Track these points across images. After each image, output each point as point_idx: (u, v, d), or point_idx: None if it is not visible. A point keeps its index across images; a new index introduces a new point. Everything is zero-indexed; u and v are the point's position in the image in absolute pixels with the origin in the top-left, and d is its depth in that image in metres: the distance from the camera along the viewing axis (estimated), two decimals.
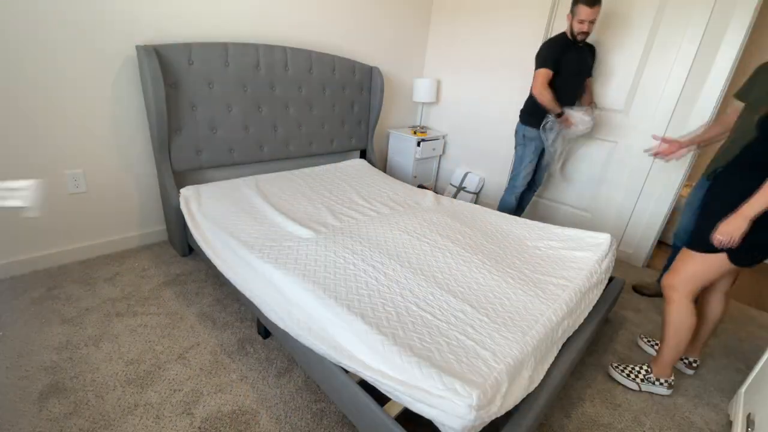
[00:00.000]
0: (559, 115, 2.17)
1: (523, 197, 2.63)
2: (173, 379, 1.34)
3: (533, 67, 2.19)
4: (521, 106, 2.41)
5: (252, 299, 1.37)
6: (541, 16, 2.57)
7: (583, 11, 1.97)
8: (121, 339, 1.50)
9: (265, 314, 1.31)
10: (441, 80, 3.30)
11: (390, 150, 3.33)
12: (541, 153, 2.40)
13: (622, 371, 1.52)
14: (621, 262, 2.60)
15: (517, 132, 2.44)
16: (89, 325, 1.55)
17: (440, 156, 3.47)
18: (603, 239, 1.69)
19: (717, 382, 1.59)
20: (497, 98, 2.95)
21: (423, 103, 3.34)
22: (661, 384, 1.46)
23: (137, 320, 1.60)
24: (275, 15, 2.27)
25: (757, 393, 1.25)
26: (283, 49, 2.24)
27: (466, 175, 3.27)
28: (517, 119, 2.42)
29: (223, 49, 1.99)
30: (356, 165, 2.71)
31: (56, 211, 1.85)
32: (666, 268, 2.16)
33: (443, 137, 3.34)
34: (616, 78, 2.39)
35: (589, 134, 2.41)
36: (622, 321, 1.94)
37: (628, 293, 2.20)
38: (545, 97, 2.14)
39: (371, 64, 2.84)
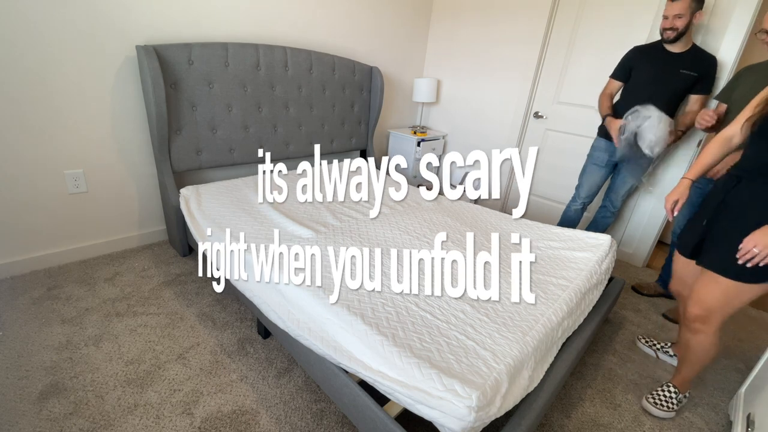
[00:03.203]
0: (603, 119, 2.05)
1: (597, 218, 2.40)
2: (173, 379, 1.34)
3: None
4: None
5: (252, 299, 1.37)
6: (541, 16, 2.57)
7: (667, 5, 1.80)
8: (121, 339, 1.50)
9: (265, 314, 1.31)
10: (441, 80, 3.30)
11: (390, 150, 3.33)
12: (616, 171, 2.21)
13: (656, 404, 1.40)
14: (621, 262, 2.60)
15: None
16: (89, 325, 1.55)
17: (440, 156, 3.47)
18: (603, 240, 1.69)
19: (717, 382, 1.59)
20: (497, 98, 2.95)
21: (423, 103, 3.34)
22: (685, 397, 1.44)
23: (137, 320, 1.60)
24: (275, 15, 2.27)
25: (757, 393, 1.25)
26: (283, 49, 2.24)
27: (466, 175, 3.26)
28: (519, 119, 2.41)
29: (223, 49, 1.99)
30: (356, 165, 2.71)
31: (56, 211, 1.85)
32: (665, 267, 2.16)
33: (443, 137, 3.34)
34: None
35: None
36: (622, 321, 1.94)
37: (628, 293, 2.20)
38: (599, 102, 2.09)
39: (371, 64, 2.84)
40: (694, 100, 1.97)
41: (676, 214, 1.29)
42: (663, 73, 1.92)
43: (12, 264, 1.79)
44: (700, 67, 1.88)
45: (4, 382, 1.27)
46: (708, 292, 1.21)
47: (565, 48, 2.56)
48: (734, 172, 1.21)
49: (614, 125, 1.98)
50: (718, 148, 1.24)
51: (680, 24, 1.79)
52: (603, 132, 2.15)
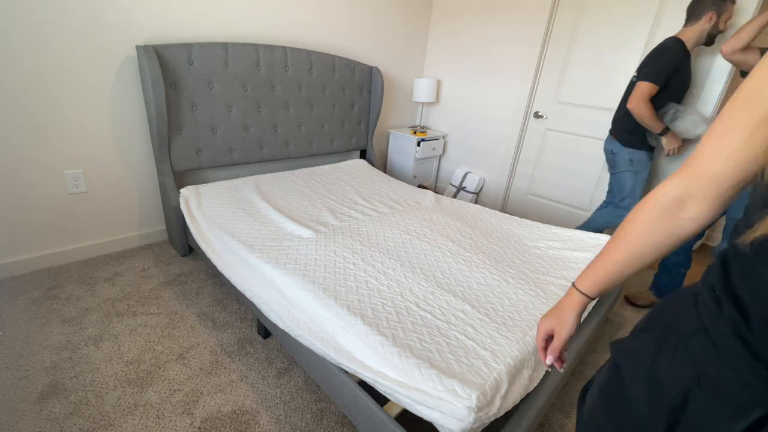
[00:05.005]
0: (663, 133, 1.86)
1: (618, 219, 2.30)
2: (173, 379, 1.34)
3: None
4: (615, 123, 2.06)
5: (252, 299, 1.37)
6: (541, 16, 2.57)
7: (732, 8, 1.78)
8: (121, 339, 1.50)
9: (265, 314, 1.31)
10: (441, 80, 3.30)
11: (390, 150, 3.33)
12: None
13: None
14: None
15: (615, 154, 2.05)
16: (89, 325, 1.55)
17: (440, 156, 3.47)
18: (603, 240, 1.69)
19: None
20: (497, 98, 2.95)
21: (423, 103, 3.34)
22: None
23: (137, 320, 1.60)
24: (275, 15, 2.27)
25: None
26: (283, 49, 2.24)
27: (466, 175, 3.27)
28: (519, 119, 2.37)
29: (223, 49, 1.99)
30: (356, 165, 2.71)
31: (56, 211, 1.85)
32: (659, 275, 2.06)
33: (443, 137, 3.34)
34: (615, 79, 2.39)
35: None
36: (622, 321, 1.94)
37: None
38: (644, 113, 1.82)
39: (371, 64, 2.84)
40: None
41: (560, 367, 0.69)
42: (690, 75, 1.92)
43: (12, 264, 1.79)
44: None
45: (4, 382, 1.27)
46: None
47: (565, 48, 2.56)
48: None
49: (677, 140, 1.92)
50: (660, 230, 0.53)
51: None
52: (645, 144, 1.98)
